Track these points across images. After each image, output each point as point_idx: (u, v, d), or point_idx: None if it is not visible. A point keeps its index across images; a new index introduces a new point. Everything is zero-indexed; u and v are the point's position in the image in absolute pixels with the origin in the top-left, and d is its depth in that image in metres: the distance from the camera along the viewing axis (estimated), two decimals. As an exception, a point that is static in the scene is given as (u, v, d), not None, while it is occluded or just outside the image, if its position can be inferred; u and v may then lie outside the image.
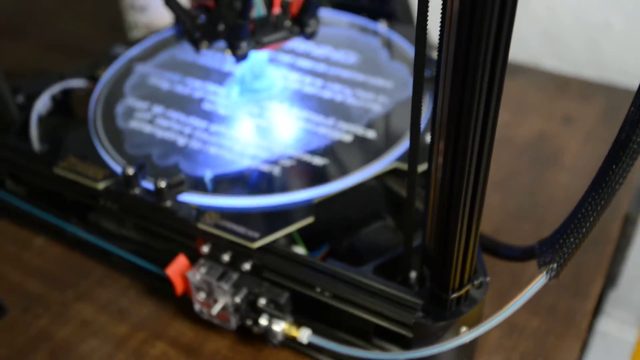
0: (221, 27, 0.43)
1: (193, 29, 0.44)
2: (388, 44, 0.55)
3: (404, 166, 0.43)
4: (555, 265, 0.32)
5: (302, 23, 0.45)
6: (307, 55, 0.54)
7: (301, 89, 0.50)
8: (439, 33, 0.26)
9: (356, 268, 0.38)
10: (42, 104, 0.51)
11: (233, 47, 0.43)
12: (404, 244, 0.37)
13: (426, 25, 0.27)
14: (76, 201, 0.47)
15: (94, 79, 0.54)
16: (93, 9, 0.83)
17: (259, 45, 0.44)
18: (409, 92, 0.49)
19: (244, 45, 0.42)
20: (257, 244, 0.39)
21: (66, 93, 0.54)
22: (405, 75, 0.51)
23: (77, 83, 0.54)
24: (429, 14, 0.27)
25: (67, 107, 0.56)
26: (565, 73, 0.69)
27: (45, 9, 0.84)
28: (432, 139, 0.32)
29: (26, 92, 0.53)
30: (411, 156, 0.33)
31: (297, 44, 0.55)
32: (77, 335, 0.44)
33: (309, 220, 0.40)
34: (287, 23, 0.44)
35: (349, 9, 0.61)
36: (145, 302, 0.46)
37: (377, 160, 0.43)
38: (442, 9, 0.26)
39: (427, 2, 0.27)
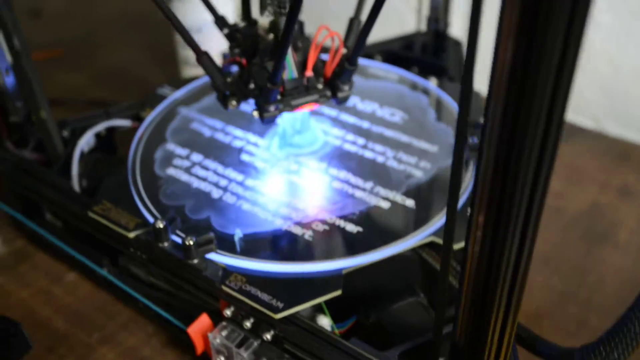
0: (252, 86, 0.42)
1: (223, 86, 0.43)
2: (437, 104, 0.53)
3: (442, 240, 0.41)
4: (594, 381, 0.29)
5: (334, 87, 0.43)
6: (352, 109, 0.53)
7: (342, 146, 0.49)
8: (486, 95, 0.24)
9: (381, 352, 0.36)
10: (85, 141, 0.52)
11: (260, 109, 0.42)
12: (433, 333, 0.35)
13: (472, 81, 0.25)
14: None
15: (139, 119, 0.55)
16: (151, 41, 0.84)
17: (288, 108, 0.42)
18: (454, 158, 0.47)
19: (271, 108, 0.41)
20: (279, 315, 0.37)
21: (111, 130, 0.55)
22: (451, 138, 0.49)
23: (122, 123, 0.54)
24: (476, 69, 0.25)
25: (111, 144, 0.56)
26: (627, 138, 0.65)
27: (104, 38, 0.86)
28: (471, 211, 0.29)
29: (72, 127, 0.54)
30: (447, 235, 0.31)
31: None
32: (96, 383, 0.44)
33: (336, 293, 0.39)
34: (319, 86, 0.43)
35: (400, 61, 0.59)
36: (167, 353, 0.46)
37: (414, 233, 0.41)
38: (492, 64, 0.23)
39: (474, 54, 0.24)
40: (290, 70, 0.41)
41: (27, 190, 0.50)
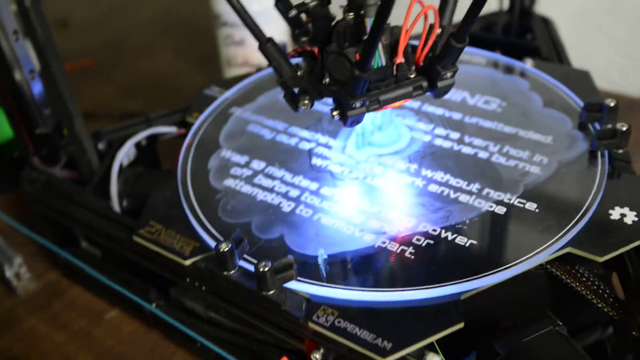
0: (327, 80, 0.34)
1: (293, 81, 0.34)
2: (539, 87, 0.44)
3: (582, 252, 0.32)
4: None
5: (432, 74, 0.34)
6: (436, 100, 0.44)
7: (433, 142, 0.41)
8: None
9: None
10: (124, 153, 0.44)
11: (343, 107, 0.33)
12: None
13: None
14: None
15: (184, 125, 0.47)
16: (186, 46, 0.77)
17: (375, 105, 0.33)
18: (575, 148, 0.38)
19: (357, 104, 0.32)
20: (389, 359, 0.29)
21: (152, 139, 0.47)
22: (566, 126, 0.40)
23: (167, 130, 0.46)
24: None
25: (153, 156, 0.48)
26: None
27: (135, 46, 0.79)
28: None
29: (108, 138, 0.46)
30: None
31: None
32: None
33: (458, 326, 0.30)
34: (412, 74, 0.34)
35: (479, 44, 0.51)
36: (235, 406, 0.37)
37: (545, 244, 0.33)
38: None
39: None
40: (377, 57, 0.32)
41: (59, 214, 0.43)
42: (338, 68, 0.33)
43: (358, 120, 0.34)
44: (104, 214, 0.40)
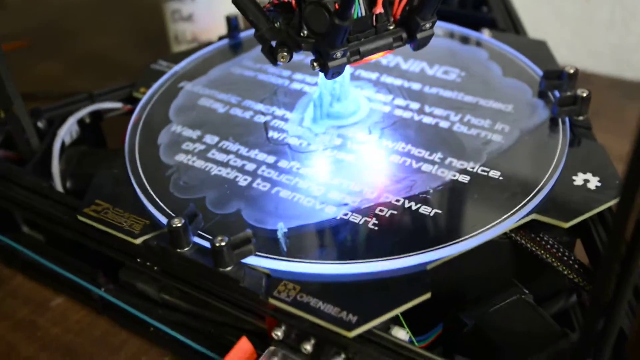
0: (305, 32, 0.32)
1: (270, 33, 0.33)
2: (497, 57, 0.43)
3: (547, 219, 0.32)
4: None
5: (411, 26, 0.33)
6: (395, 70, 0.43)
7: (393, 113, 0.39)
8: None
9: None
10: (66, 130, 0.41)
11: (324, 59, 0.32)
12: (582, 335, 0.25)
13: None
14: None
15: (131, 101, 0.44)
16: (130, 23, 0.73)
17: (356, 56, 0.32)
18: (536, 116, 0.38)
19: (338, 54, 0.31)
20: (354, 332, 0.27)
21: (96, 117, 0.44)
22: (526, 94, 0.40)
23: (112, 105, 0.44)
24: None
25: (98, 134, 0.46)
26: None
27: (77, 24, 0.75)
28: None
29: (49, 115, 0.43)
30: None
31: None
32: None
33: (425, 296, 0.29)
34: (391, 26, 0.33)
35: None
36: (193, 391, 0.35)
37: (510, 211, 0.32)
38: None
39: None
40: (357, 7, 0.31)
41: (-4, 196, 0.40)
42: (317, 19, 0.32)
43: (340, 71, 0.32)
44: (45, 194, 0.37)
